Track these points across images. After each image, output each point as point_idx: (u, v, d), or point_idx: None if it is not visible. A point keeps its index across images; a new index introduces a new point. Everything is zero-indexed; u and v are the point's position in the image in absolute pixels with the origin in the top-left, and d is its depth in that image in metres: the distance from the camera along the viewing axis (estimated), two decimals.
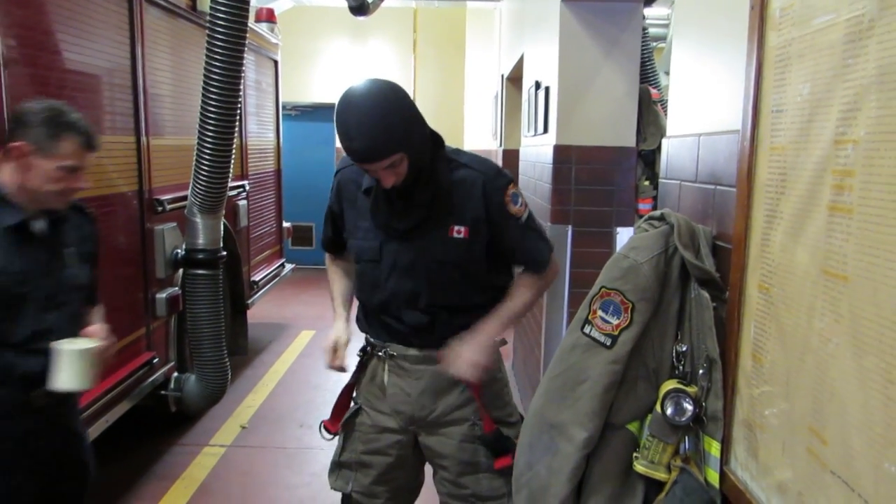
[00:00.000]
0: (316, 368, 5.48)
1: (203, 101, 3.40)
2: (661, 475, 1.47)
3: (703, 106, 1.72)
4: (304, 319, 7.09)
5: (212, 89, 3.35)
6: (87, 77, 3.06)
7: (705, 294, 1.46)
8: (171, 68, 3.88)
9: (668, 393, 1.45)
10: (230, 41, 3.28)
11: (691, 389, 1.45)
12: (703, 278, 1.47)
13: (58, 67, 2.81)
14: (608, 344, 1.50)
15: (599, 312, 1.52)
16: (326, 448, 2.15)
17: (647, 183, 3.89)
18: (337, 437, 2.17)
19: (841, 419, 1.02)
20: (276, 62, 6.06)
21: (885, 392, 0.92)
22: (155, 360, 3.67)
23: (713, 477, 1.43)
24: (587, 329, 1.54)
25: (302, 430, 4.42)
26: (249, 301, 5.37)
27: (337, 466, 2.18)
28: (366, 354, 2.13)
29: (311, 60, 9.97)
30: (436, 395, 2.01)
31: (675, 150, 1.90)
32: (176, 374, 3.98)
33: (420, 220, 1.90)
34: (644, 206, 3.82)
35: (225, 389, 4.05)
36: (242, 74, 3.45)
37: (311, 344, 6.29)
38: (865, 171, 0.97)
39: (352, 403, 2.16)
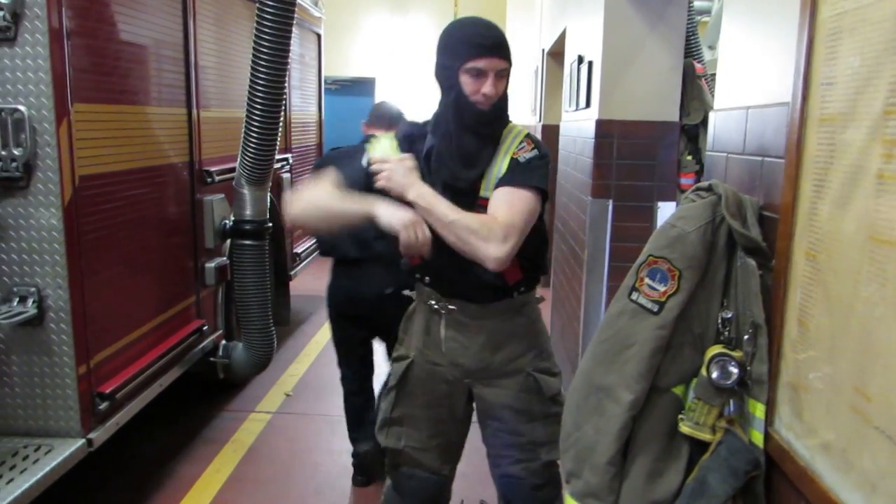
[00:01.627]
0: None
1: (252, 75, 3.47)
2: (705, 436, 1.51)
3: (752, 79, 1.74)
4: None
5: (261, 63, 3.42)
6: (143, 49, 3.15)
7: (752, 262, 1.49)
8: (219, 42, 3.96)
9: (713, 357, 1.49)
10: (279, 15, 3.34)
11: (736, 354, 1.49)
12: (750, 247, 1.51)
13: (115, 40, 2.91)
14: (655, 310, 1.55)
15: (646, 280, 1.57)
16: None
17: (689, 157, 3.88)
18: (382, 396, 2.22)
19: (885, 377, 1.07)
20: (319, 36, 6.12)
21: None
22: (204, 328, 3.80)
23: (757, 438, 1.47)
24: (634, 296, 1.58)
25: None
26: (292, 272, 5.48)
27: (386, 424, 2.19)
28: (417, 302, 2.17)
29: (350, 34, 10.01)
30: (495, 349, 2.08)
31: (722, 123, 1.92)
32: (224, 341, 4.10)
33: (488, 161, 2.00)
34: (686, 180, 3.82)
35: (271, 357, 4.17)
36: (290, 48, 3.51)
37: None
38: None
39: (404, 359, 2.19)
